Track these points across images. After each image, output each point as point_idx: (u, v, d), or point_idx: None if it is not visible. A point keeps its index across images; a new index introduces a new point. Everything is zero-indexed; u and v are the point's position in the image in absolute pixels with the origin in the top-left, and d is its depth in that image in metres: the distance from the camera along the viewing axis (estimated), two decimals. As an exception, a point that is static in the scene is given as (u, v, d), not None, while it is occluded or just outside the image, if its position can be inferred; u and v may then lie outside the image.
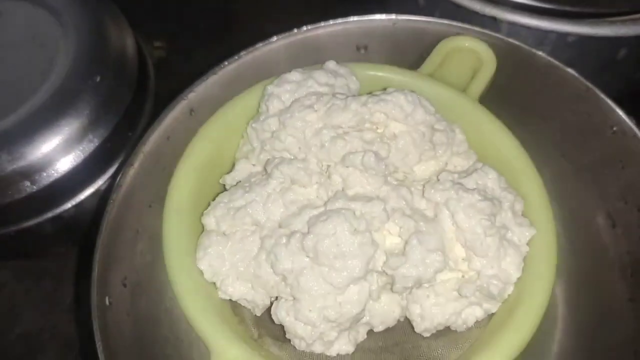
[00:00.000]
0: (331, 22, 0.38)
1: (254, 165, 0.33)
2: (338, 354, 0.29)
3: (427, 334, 0.30)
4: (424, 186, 0.31)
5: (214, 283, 0.30)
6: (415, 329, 0.30)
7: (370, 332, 0.31)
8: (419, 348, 0.31)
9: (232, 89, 0.37)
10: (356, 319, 0.29)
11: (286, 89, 0.33)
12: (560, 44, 0.41)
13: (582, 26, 0.41)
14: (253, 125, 0.33)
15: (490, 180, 0.31)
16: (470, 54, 0.36)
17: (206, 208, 0.32)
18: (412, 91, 0.32)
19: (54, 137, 0.44)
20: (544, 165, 0.38)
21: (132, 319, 0.34)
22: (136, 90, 0.49)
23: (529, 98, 0.38)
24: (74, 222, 0.48)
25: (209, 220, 0.31)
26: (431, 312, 0.30)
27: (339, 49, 0.40)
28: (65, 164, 0.45)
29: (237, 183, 0.32)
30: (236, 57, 0.37)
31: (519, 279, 0.29)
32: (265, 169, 0.31)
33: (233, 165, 0.34)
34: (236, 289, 0.30)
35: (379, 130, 0.31)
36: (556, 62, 0.37)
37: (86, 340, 0.32)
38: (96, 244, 0.33)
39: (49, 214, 0.47)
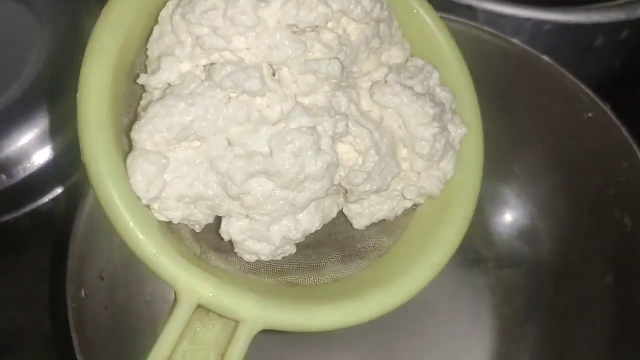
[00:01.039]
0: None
1: (181, 62, 0.27)
2: (283, 256, 0.29)
3: (361, 227, 0.31)
4: (371, 87, 0.29)
5: (148, 206, 0.27)
6: (354, 226, 0.31)
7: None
8: (353, 238, 0.32)
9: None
10: (307, 231, 0.29)
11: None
12: (537, 33, 0.42)
13: (557, 13, 0.42)
14: (181, 11, 0.26)
15: (433, 80, 0.30)
16: None
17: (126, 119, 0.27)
18: None
19: (29, 131, 0.45)
20: (521, 151, 0.39)
21: (109, 311, 0.35)
22: None
23: (505, 85, 0.39)
24: (52, 216, 0.48)
25: (141, 137, 0.26)
26: (371, 210, 0.30)
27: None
28: (41, 157, 0.45)
29: (168, 87, 0.27)
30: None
31: (451, 176, 0.31)
32: (209, 74, 0.26)
33: (145, 64, 0.28)
34: (177, 211, 0.27)
35: (336, 31, 0.28)
36: (532, 50, 0.38)
37: (65, 335, 0.32)
38: (71, 237, 0.34)
39: (27, 208, 0.47)
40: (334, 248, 0.32)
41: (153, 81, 0.27)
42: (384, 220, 0.31)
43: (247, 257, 0.28)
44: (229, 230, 0.28)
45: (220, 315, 0.25)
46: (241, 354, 0.25)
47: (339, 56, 0.27)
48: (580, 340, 0.40)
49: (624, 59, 0.49)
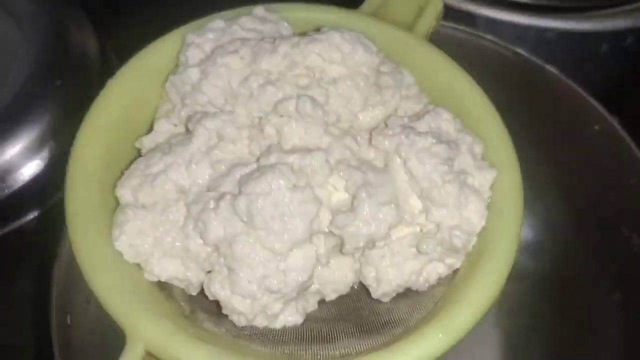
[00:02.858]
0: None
1: (175, 125, 0.29)
2: (285, 326, 0.27)
3: (386, 299, 0.28)
4: (370, 134, 0.28)
5: (138, 264, 0.27)
6: (372, 295, 0.28)
7: (323, 301, 0.28)
8: (378, 314, 0.29)
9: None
10: (303, 288, 0.26)
11: (208, 37, 0.30)
12: (540, 41, 0.42)
13: (560, 21, 0.42)
14: (172, 79, 0.29)
15: (444, 121, 0.28)
16: None
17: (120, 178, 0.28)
18: (350, 29, 0.29)
19: (13, 145, 0.43)
20: (525, 164, 0.37)
21: (97, 337, 0.33)
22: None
23: (510, 97, 0.36)
24: (37, 234, 0.46)
25: (124, 192, 0.27)
26: (388, 274, 0.27)
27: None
28: (26, 172, 0.43)
29: (156, 146, 0.29)
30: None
31: (483, 228, 0.27)
32: (186, 127, 0.28)
33: (152, 127, 0.30)
34: (164, 268, 0.27)
35: (316, 76, 0.29)
36: (537, 61, 0.37)
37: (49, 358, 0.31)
38: (56, 261, 0.33)
39: (12, 226, 0.45)
40: (353, 324, 0.29)
41: (146, 142, 0.29)
42: (415, 292, 0.28)
43: (236, 319, 0.26)
44: (210, 286, 0.26)
45: None
46: None
47: (311, 94, 0.27)
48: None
49: (629, 66, 0.48)
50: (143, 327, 0.24)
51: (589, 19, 0.42)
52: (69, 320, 0.32)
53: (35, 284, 0.45)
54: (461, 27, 0.38)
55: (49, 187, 0.44)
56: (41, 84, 0.44)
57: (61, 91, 0.44)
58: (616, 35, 0.43)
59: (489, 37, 0.38)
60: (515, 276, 0.39)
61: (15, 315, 0.47)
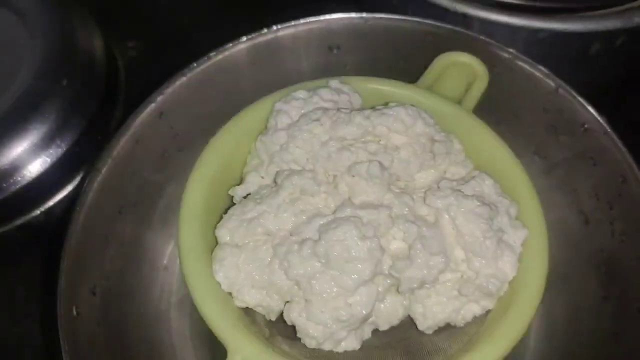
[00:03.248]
0: (301, 20, 0.40)
1: (262, 177, 0.35)
2: (345, 351, 0.32)
3: (429, 331, 0.33)
4: (425, 193, 0.33)
5: (230, 293, 0.33)
6: (419, 327, 0.33)
7: (375, 331, 0.33)
8: (421, 344, 0.34)
9: (201, 91, 0.39)
10: (364, 319, 0.32)
11: (294, 105, 0.35)
12: (532, 41, 0.43)
13: (552, 22, 0.43)
14: (262, 139, 0.35)
15: (486, 186, 0.34)
16: (465, 68, 0.39)
17: (217, 220, 0.34)
18: (412, 105, 0.35)
19: (20, 143, 0.44)
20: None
21: (102, 327, 0.35)
22: (105, 93, 0.49)
23: (500, 96, 0.40)
24: (43, 230, 0.47)
25: (223, 233, 0.33)
26: (433, 310, 0.32)
27: (311, 49, 0.42)
28: (32, 169, 0.44)
29: (247, 195, 0.34)
30: (205, 58, 0.39)
31: (514, 277, 0.32)
32: (275, 181, 0.34)
33: (241, 179, 0.36)
34: (252, 297, 0.32)
35: (381, 142, 0.34)
36: (527, 59, 0.39)
37: (56, 350, 0.33)
38: (62, 253, 0.33)
39: (17, 222, 0.46)
40: (400, 351, 0.34)
41: (239, 191, 0.35)
42: (453, 327, 0.33)
43: (308, 342, 0.32)
44: (289, 313, 0.32)
45: None
46: None
47: (379, 159, 0.33)
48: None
49: (620, 65, 0.48)
50: (241, 343, 0.30)
51: (579, 19, 0.43)
52: (74, 312, 0.33)
53: (42, 276, 0.46)
54: (455, 28, 0.40)
55: (54, 184, 0.46)
56: (48, 83, 0.45)
57: (67, 90, 0.45)
58: (607, 36, 0.44)
59: (482, 37, 0.40)
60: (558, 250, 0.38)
61: (22, 307, 0.47)
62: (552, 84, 0.38)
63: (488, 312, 0.33)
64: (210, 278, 0.32)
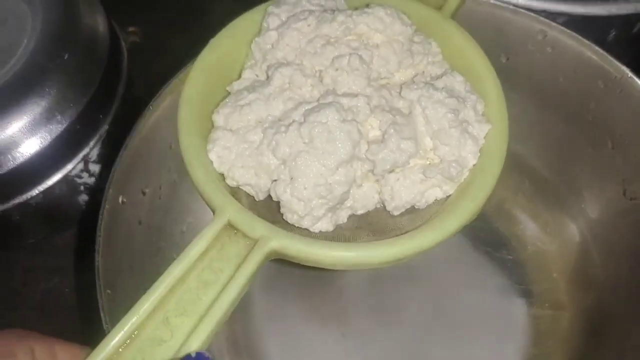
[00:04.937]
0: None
1: (257, 75, 0.40)
2: (320, 231, 0.36)
3: (396, 212, 0.37)
4: (401, 87, 0.38)
5: (222, 173, 0.37)
6: (386, 207, 0.37)
7: (351, 216, 0.38)
8: (387, 224, 0.38)
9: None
10: (342, 199, 0.36)
11: (283, 9, 0.40)
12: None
13: (574, 5, 0.45)
14: (256, 40, 0.40)
15: (457, 82, 0.38)
16: None
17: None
18: (391, 6, 0.39)
19: (19, 118, 0.43)
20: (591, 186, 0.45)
21: (142, 228, 0.38)
22: (107, 71, 0.48)
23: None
24: (42, 210, 0.47)
25: (218, 117, 0.37)
26: (400, 192, 0.37)
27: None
28: (31, 146, 0.43)
29: (244, 88, 0.39)
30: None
31: (474, 165, 0.36)
32: (267, 74, 0.38)
33: (240, 76, 0.40)
34: (242, 176, 0.37)
35: (363, 41, 0.38)
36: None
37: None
38: (123, 149, 0.37)
39: (16, 200, 0.46)
40: (367, 231, 0.38)
41: (235, 86, 0.39)
42: (416, 209, 0.37)
43: (289, 217, 0.36)
44: (276, 189, 0.36)
45: (244, 235, 0.33)
46: (253, 267, 0.32)
47: (360, 54, 0.37)
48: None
49: (635, 53, 0.49)
50: (228, 204, 0.34)
51: (600, 2, 0.45)
52: (120, 200, 0.36)
53: (42, 258, 0.48)
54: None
55: (54, 162, 0.45)
56: (48, 56, 0.44)
57: (68, 64, 0.45)
58: (626, 22, 0.46)
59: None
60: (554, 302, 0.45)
61: (20, 290, 0.48)
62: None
63: (448, 197, 0.37)
64: (204, 154, 0.36)
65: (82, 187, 0.49)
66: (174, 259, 0.32)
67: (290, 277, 0.49)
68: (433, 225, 0.34)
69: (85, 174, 0.48)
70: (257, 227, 0.33)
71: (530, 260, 0.50)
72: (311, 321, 0.48)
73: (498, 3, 0.44)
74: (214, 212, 0.34)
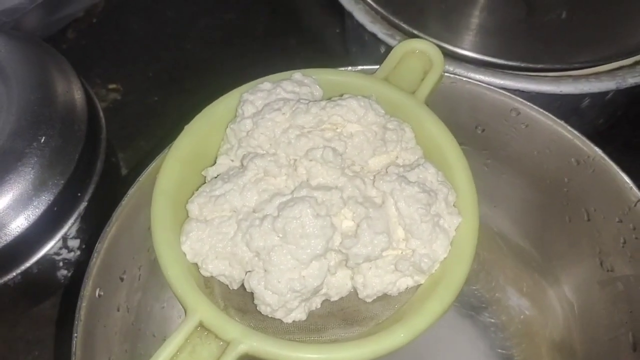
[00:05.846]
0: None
1: (232, 160, 0.40)
2: (293, 321, 0.37)
3: (368, 300, 0.38)
4: (374, 177, 0.38)
5: (196, 263, 0.37)
6: (359, 295, 0.38)
7: (325, 301, 0.38)
8: (359, 311, 0.39)
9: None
10: (316, 291, 0.36)
11: (259, 96, 0.40)
12: (523, 97, 0.45)
13: (545, 84, 0.47)
14: (231, 126, 0.40)
15: (429, 174, 0.38)
16: (422, 56, 0.43)
17: (191, 197, 0.39)
18: (365, 96, 0.40)
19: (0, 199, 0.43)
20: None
21: (121, 313, 0.38)
22: (85, 149, 0.48)
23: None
24: (21, 289, 0.48)
25: (192, 207, 0.38)
26: (372, 282, 0.37)
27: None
28: (8, 231, 0.44)
29: (218, 175, 0.39)
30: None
31: (445, 258, 0.37)
32: (242, 163, 0.39)
33: (215, 161, 0.41)
34: (216, 267, 0.37)
35: (337, 130, 0.39)
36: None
37: None
38: (101, 235, 0.38)
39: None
40: (339, 318, 0.39)
41: (210, 172, 0.40)
42: (388, 296, 0.38)
43: (263, 309, 0.36)
44: (249, 281, 0.37)
45: (216, 337, 0.33)
46: None
47: (333, 145, 0.38)
48: None
49: (609, 115, 0.51)
50: (200, 304, 0.34)
51: (572, 81, 0.46)
52: (97, 295, 0.36)
53: (22, 331, 0.49)
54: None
55: (33, 244, 0.46)
56: (24, 141, 0.45)
57: (45, 147, 0.45)
58: (600, 92, 0.47)
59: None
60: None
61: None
62: (633, 198, 0.40)
63: (419, 285, 0.38)
64: (177, 248, 0.36)
65: (61, 263, 0.49)
66: (155, 337, 0.32)
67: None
68: (403, 324, 0.34)
69: (64, 251, 0.48)
70: (230, 329, 0.33)
71: (511, 326, 0.51)
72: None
73: (472, 81, 0.45)
74: (185, 311, 0.34)
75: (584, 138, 0.42)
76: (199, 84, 0.43)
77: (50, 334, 0.51)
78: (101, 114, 0.52)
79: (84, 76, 0.52)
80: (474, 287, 0.52)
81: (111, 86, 0.64)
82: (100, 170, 0.49)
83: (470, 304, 0.52)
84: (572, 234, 0.45)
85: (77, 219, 0.48)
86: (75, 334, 0.34)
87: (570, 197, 0.44)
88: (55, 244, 0.47)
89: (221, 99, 0.41)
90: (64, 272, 0.50)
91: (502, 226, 0.51)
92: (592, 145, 0.42)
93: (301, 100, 0.39)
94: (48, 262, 0.48)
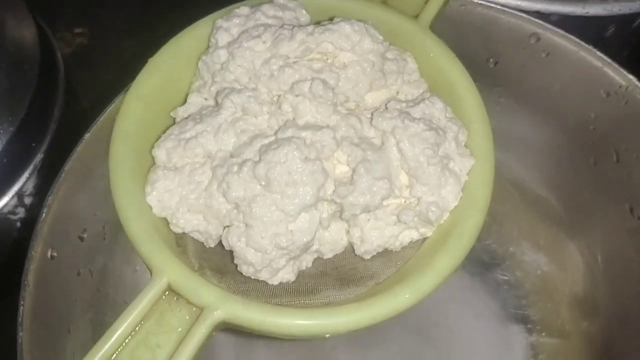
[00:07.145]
0: None
1: (205, 99, 0.35)
2: (280, 282, 0.33)
3: (367, 256, 0.34)
4: (372, 115, 0.33)
5: (165, 218, 0.33)
6: (356, 252, 0.34)
7: (315, 260, 0.34)
8: (356, 269, 0.34)
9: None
10: (306, 247, 0.32)
11: (235, 22, 0.35)
12: (543, 21, 0.41)
13: (569, 5, 0.43)
14: (204, 58, 0.35)
15: (437, 110, 0.33)
16: None
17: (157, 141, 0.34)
18: (360, 20, 0.34)
19: None
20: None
21: (83, 277, 0.36)
22: (38, 92, 0.45)
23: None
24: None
25: (159, 152, 0.33)
26: (371, 235, 0.33)
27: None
28: None
29: (189, 116, 0.34)
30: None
31: (455, 207, 0.33)
32: (216, 101, 0.34)
33: (185, 100, 0.36)
34: (188, 222, 0.33)
35: (328, 60, 0.34)
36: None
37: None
38: (52, 187, 0.34)
39: None
40: (333, 278, 0.34)
41: (180, 112, 0.35)
42: (390, 251, 0.34)
43: (245, 269, 0.32)
44: (228, 237, 0.32)
45: (188, 302, 0.29)
46: (199, 341, 0.28)
47: (323, 77, 0.32)
48: None
49: (635, 48, 0.49)
50: (167, 264, 0.29)
51: (599, 2, 0.42)
52: (49, 255, 0.33)
53: None
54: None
55: None
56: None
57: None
58: (623, 18, 0.43)
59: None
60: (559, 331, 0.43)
61: None
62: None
63: (425, 239, 0.33)
64: (140, 200, 0.32)
65: (18, 224, 0.46)
66: (126, 305, 0.28)
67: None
68: (406, 284, 0.30)
69: (20, 209, 0.45)
70: (203, 292, 0.29)
71: (527, 282, 0.47)
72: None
73: (484, 2, 0.40)
74: (151, 273, 0.30)
75: (615, 65, 0.38)
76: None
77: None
78: (59, 54, 0.48)
79: (48, 20, 0.49)
80: (486, 242, 0.48)
81: (77, 30, 0.61)
82: (58, 118, 0.46)
83: (481, 261, 0.48)
84: (598, 178, 0.41)
85: (32, 172, 0.44)
86: (22, 302, 0.31)
87: (596, 136, 0.40)
88: (9, 201, 0.44)
89: (191, 27, 0.36)
90: (23, 233, 0.47)
91: (516, 173, 0.47)
92: (625, 73, 0.37)
93: (285, 26, 0.34)
94: (3, 222, 0.45)
